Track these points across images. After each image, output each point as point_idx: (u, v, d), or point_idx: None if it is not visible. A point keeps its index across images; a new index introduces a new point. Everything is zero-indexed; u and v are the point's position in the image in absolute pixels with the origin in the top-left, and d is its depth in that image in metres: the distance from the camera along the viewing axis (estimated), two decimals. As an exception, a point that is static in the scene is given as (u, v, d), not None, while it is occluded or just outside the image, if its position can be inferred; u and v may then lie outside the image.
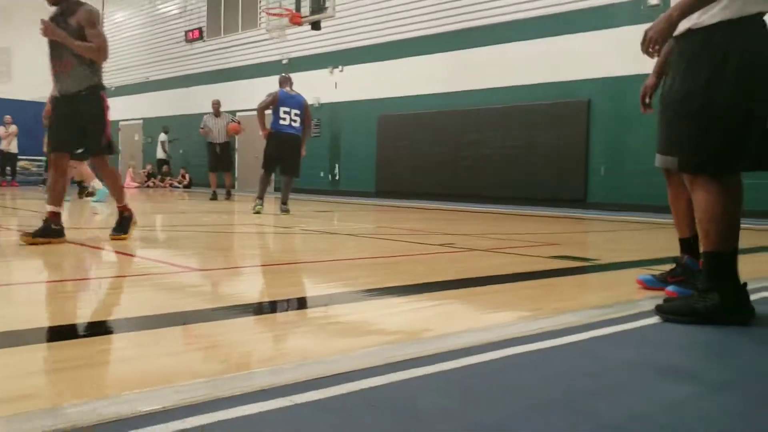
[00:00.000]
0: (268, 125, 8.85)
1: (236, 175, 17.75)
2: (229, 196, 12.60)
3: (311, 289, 3.36)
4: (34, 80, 26.82)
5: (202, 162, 19.52)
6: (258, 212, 8.49)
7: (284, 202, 8.90)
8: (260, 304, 2.86)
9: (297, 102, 8.83)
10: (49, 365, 1.81)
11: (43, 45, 4.98)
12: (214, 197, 12.48)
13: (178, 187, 19.44)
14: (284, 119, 8.67)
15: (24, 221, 6.88)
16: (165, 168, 19.67)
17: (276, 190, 17.06)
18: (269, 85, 17.76)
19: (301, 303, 2.93)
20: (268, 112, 8.80)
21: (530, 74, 12.42)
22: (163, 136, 19.37)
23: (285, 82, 9.06)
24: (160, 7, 22.20)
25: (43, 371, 1.75)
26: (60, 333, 2.23)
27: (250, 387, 1.57)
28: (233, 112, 17.35)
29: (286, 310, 2.75)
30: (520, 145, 12.44)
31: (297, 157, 8.86)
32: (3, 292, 3.04)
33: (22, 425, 1.30)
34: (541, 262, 4.26)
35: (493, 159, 12.86)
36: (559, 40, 12.01)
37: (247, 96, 18.51)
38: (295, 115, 8.73)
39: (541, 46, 12.25)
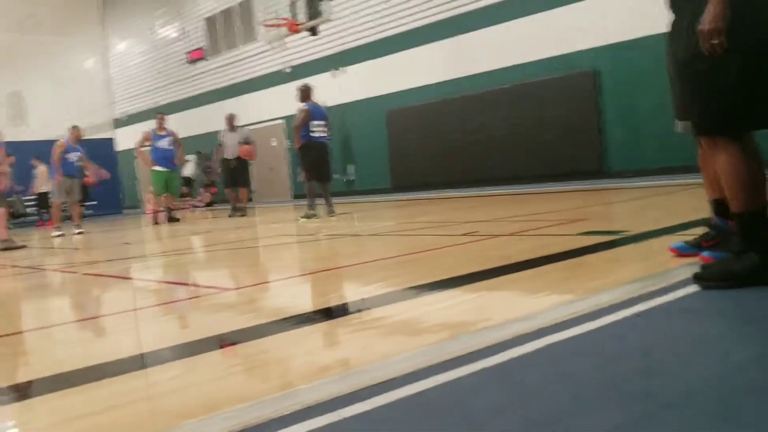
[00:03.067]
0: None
1: (252, 188, 17.81)
2: (240, 212, 12.31)
3: (346, 295, 3.37)
4: (44, 122, 27.25)
5: (221, 178, 19.68)
6: (309, 219, 8.72)
7: (330, 206, 9.26)
8: (297, 316, 2.86)
9: (323, 113, 9.26)
10: (101, 404, 1.83)
11: (53, 87, 5.05)
12: (233, 213, 12.48)
13: (200, 207, 19.57)
14: (315, 132, 9.03)
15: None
16: (185, 189, 19.80)
17: (297, 197, 17.14)
18: (276, 95, 17.89)
19: (338, 311, 2.94)
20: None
21: (532, 50, 12.32)
22: (191, 157, 19.44)
23: (309, 93, 9.23)
24: (159, 32, 22.37)
25: (97, 411, 1.76)
26: (108, 369, 2.26)
27: (297, 405, 1.58)
28: (242, 127, 17.47)
29: (324, 320, 2.76)
30: (530, 123, 12.35)
31: (329, 164, 9.47)
32: (43, 333, 3.09)
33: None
34: (570, 240, 4.23)
35: (505, 140, 12.78)
36: (558, 12, 11.90)
37: (256, 109, 18.61)
38: (324, 125, 9.16)
39: (540, 21, 12.14)
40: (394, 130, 15.20)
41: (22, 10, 25.52)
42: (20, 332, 3.30)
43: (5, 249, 8.34)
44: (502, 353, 1.86)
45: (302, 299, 3.40)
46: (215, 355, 2.36)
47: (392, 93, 15.16)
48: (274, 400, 1.66)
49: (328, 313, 2.88)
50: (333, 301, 3.27)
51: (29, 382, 2.18)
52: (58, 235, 10.59)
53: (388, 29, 15.15)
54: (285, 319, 2.77)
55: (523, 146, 12.48)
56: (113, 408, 1.77)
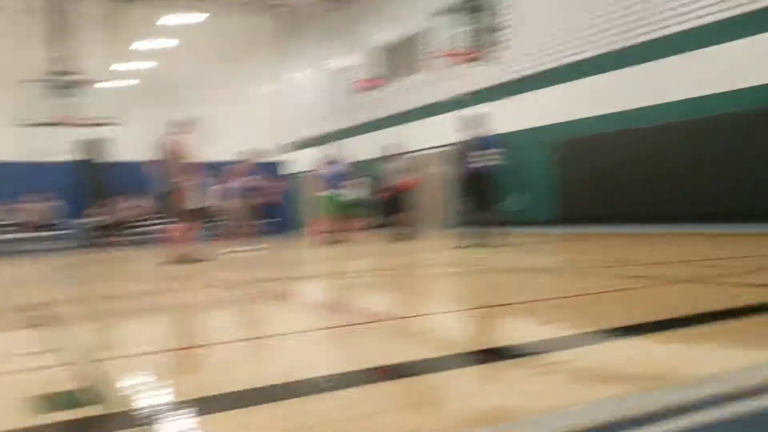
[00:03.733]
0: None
1: (413, 214, 17.97)
2: (406, 236, 12.63)
3: (515, 335, 3.22)
4: (226, 144, 29.39)
5: (381, 204, 20.10)
6: (471, 250, 8.64)
7: (491, 237, 9.12)
8: (466, 354, 2.77)
9: (487, 142, 9.17)
10: (280, 425, 1.85)
11: (239, 112, 5.37)
12: (396, 239, 12.73)
13: (363, 230, 20.09)
14: (476, 161, 8.98)
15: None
16: (350, 213, 20.42)
17: (459, 225, 17.09)
18: (439, 123, 18.05)
19: (509, 351, 2.80)
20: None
21: (724, 80, 11.44)
22: (357, 182, 20.11)
23: (472, 122, 9.23)
24: (332, 61, 23.47)
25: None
26: (271, 393, 2.29)
27: None
28: (405, 154, 17.76)
29: (494, 360, 2.64)
30: (717, 158, 11.44)
31: (491, 193, 9.26)
32: (229, 349, 3.23)
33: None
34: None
35: (689, 174, 11.91)
36: (755, 41, 10.96)
37: (421, 136, 18.88)
38: (486, 154, 9.05)
39: (732, 50, 11.27)
40: (566, 159, 14.75)
41: (219, 43, 27.90)
42: (192, 347, 3.47)
43: (185, 262, 9.01)
44: (692, 416, 1.65)
45: (469, 335, 3.31)
46: (381, 387, 2.33)
47: (564, 122, 14.75)
48: None
49: (498, 353, 2.76)
50: (502, 341, 3.14)
51: (212, 397, 2.26)
52: (233, 252, 11.28)
53: (564, 57, 14.81)
54: (454, 356, 2.69)
55: (707, 182, 11.55)
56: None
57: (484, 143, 9.13)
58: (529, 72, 15.67)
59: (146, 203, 20.17)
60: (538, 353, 2.69)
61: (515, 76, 16.02)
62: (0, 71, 25.04)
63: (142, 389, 2.47)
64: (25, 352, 3.33)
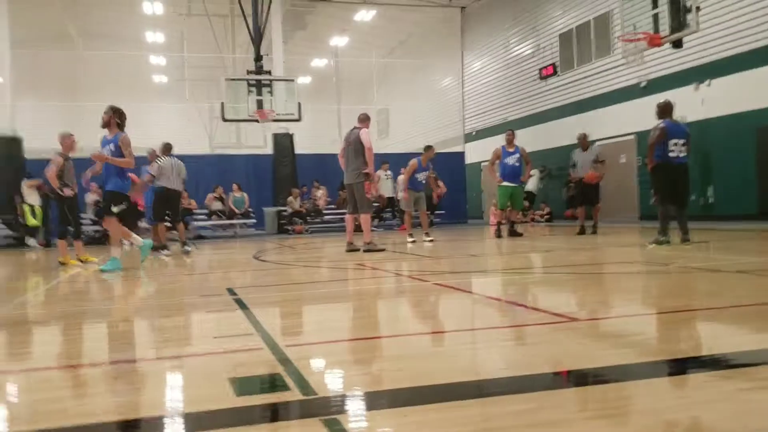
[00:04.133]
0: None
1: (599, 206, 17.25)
2: (595, 230, 12.30)
3: (722, 342, 2.97)
4: (404, 136, 30.06)
5: (561, 195, 19.52)
6: (660, 246, 8.23)
7: (685, 232, 8.57)
8: (661, 363, 2.60)
9: (682, 131, 8.59)
10: (460, 427, 1.86)
11: (413, 105, 5.45)
12: (581, 232, 12.32)
13: (540, 222, 19.67)
14: (672, 151, 8.43)
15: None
16: (526, 204, 20.10)
17: (644, 218, 16.17)
18: (628, 110, 17.14)
19: (711, 361, 2.60)
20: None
21: None
22: (534, 172, 19.85)
23: (668, 110, 8.65)
24: (514, 50, 23.06)
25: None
26: (441, 394, 2.31)
27: None
28: (593, 143, 17.05)
29: (700, 370, 2.46)
30: None
31: (688, 186, 8.74)
32: (412, 342, 3.31)
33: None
34: None
35: None
36: None
37: (605, 124, 18.05)
38: (682, 144, 8.47)
39: None
40: (766, 148, 13.43)
41: (396, 38, 28.53)
42: (376, 338, 3.58)
43: (368, 251, 9.33)
44: None
45: (665, 341, 3.11)
46: (569, 393, 2.26)
47: (764, 108, 13.42)
48: None
49: (697, 363, 2.57)
50: (702, 349, 2.92)
51: (389, 391, 2.32)
52: (411, 242, 11.51)
53: (761, 39, 13.47)
54: (648, 363, 2.55)
55: None
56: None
57: (680, 131, 8.54)
58: (722, 56, 14.42)
59: (326, 193, 21.15)
60: (744, 365, 2.48)
61: (707, 60, 14.81)
62: (202, 72, 27.52)
63: (330, 378, 2.59)
64: (223, 334, 3.64)
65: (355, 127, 9.78)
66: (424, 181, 12.13)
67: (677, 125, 8.63)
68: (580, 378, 2.41)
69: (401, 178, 18.31)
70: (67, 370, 2.96)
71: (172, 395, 2.43)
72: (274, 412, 2.14)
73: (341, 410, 2.08)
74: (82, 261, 9.67)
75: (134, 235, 8.70)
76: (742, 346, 2.81)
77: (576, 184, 12.67)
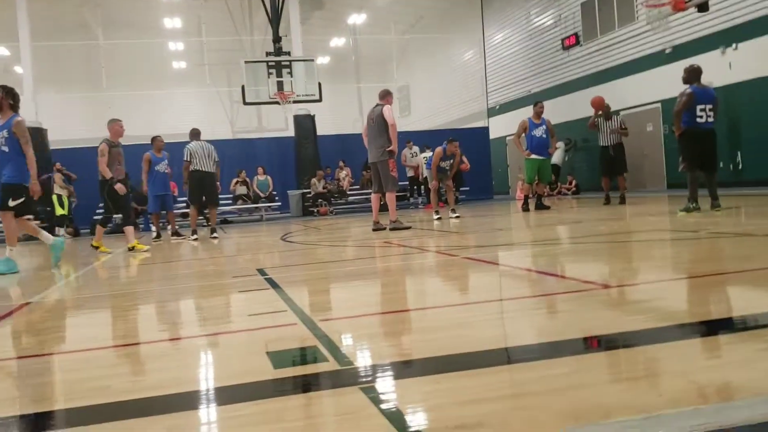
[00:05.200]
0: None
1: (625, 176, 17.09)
2: (623, 200, 12.19)
3: (745, 306, 2.96)
4: (426, 112, 29.92)
5: (591, 167, 19.33)
6: (690, 213, 8.18)
7: (715, 198, 8.48)
8: (689, 325, 2.59)
9: (710, 96, 8.45)
10: (492, 392, 1.87)
11: (435, 81, 5.42)
12: (607, 201, 12.26)
13: (567, 194, 19.53)
14: (701, 116, 8.33)
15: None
16: (552, 178, 19.95)
17: (671, 186, 15.98)
18: (652, 78, 16.87)
19: (737, 323, 2.59)
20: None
21: None
22: (559, 144, 19.69)
23: (696, 74, 8.50)
24: (535, 21, 22.75)
25: (489, 398, 1.80)
26: (472, 361, 2.32)
27: (694, 427, 1.40)
28: (616, 113, 16.86)
29: (727, 332, 2.45)
30: None
31: (716, 152, 8.63)
32: (443, 313, 3.33)
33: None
34: None
35: None
36: None
37: (630, 93, 17.79)
38: (710, 110, 8.36)
39: None
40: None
41: (415, 13, 28.29)
42: (406, 310, 3.60)
43: (394, 229, 9.34)
44: None
45: (692, 305, 3.10)
46: (595, 358, 2.26)
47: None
48: (668, 417, 1.50)
49: (724, 325, 2.55)
50: (729, 312, 2.89)
51: (422, 360, 2.34)
52: (437, 219, 11.50)
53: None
54: (675, 327, 2.54)
55: None
56: (505, 397, 1.79)
57: (707, 96, 8.39)
58: (748, 18, 14.10)
59: (350, 174, 21.16)
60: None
61: (733, 23, 14.49)
62: (221, 56, 27.57)
63: (365, 349, 2.62)
64: (257, 312, 3.68)
65: (377, 104, 9.73)
66: (448, 168, 12.06)
67: (705, 90, 8.49)
68: (610, 342, 2.41)
69: (421, 159, 18.29)
70: (115, 349, 3.03)
71: (214, 370, 2.48)
72: (313, 382, 2.17)
73: (377, 378, 2.10)
74: (130, 249, 9.27)
75: (43, 233, 7.82)
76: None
77: (601, 152, 12.57)
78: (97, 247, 9.67)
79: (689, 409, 1.59)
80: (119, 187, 9.20)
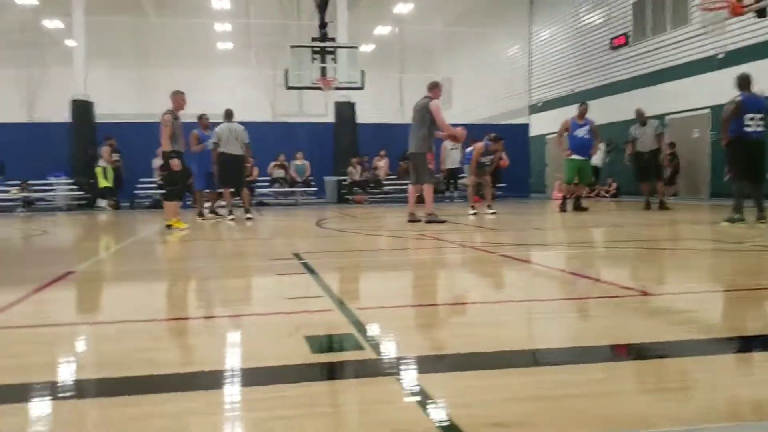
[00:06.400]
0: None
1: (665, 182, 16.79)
2: (662, 206, 12.00)
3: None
4: (468, 106, 29.75)
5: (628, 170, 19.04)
6: (734, 224, 8.00)
7: (761, 210, 8.27)
8: (731, 339, 2.56)
9: (760, 105, 8.26)
10: (530, 392, 1.87)
11: (478, 74, 5.39)
12: (647, 207, 12.08)
13: (606, 197, 19.28)
14: (749, 125, 8.15)
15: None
16: (593, 178, 19.69)
17: (715, 196, 15.66)
18: (702, 83, 16.51)
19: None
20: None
21: None
22: (601, 146, 19.44)
23: (747, 82, 8.32)
24: (584, 19, 22.42)
25: (526, 398, 1.81)
26: (508, 360, 2.33)
27: None
28: (661, 117, 16.53)
29: (765, 350, 2.42)
30: None
31: (763, 162, 8.37)
32: (480, 309, 3.34)
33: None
34: None
35: None
36: None
37: (675, 98, 17.45)
38: (760, 119, 8.17)
39: None
40: None
41: (462, 5, 28.09)
42: (437, 304, 3.61)
43: (429, 222, 9.34)
44: None
45: (728, 319, 3.05)
46: (625, 366, 2.25)
47: None
48: (706, 429, 1.49)
49: (762, 342, 2.52)
50: (764, 328, 2.85)
51: (458, 355, 2.35)
52: (472, 214, 11.45)
53: None
54: (709, 340, 2.51)
55: None
56: (543, 398, 1.79)
57: (757, 105, 8.20)
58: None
59: (387, 164, 21.16)
60: None
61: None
62: (267, 38, 27.73)
63: (401, 340, 2.64)
64: (295, 296, 3.73)
65: (425, 96, 9.66)
66: (488, 164, 11.99)
67: (755, 99, 8.29)
68: (647, 351, 2.39)
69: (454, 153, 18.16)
70: (157, 323, 3.10)
71: (252, 351, 2.52)
72: (350, 370, 2.20)
73: (413, 370, 2.12)
74: (168, 226, 9.09)
75: None
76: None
77: (637, 158, 12.41)
78: (169, 226, 9.10)
79: (723, 425, 1.57)
80: (175, 163, 9.08)
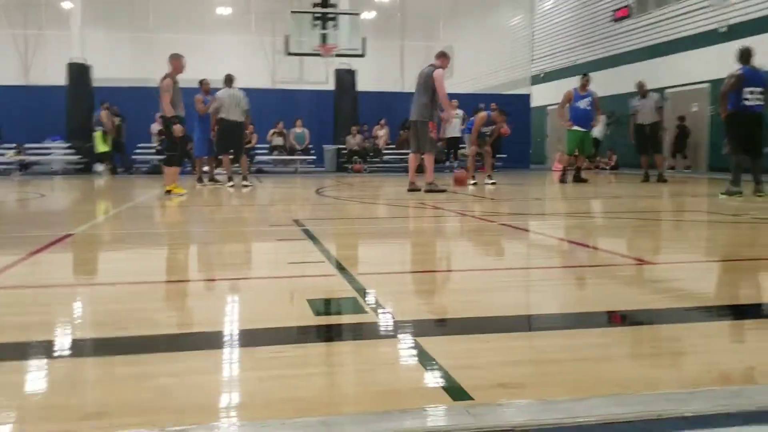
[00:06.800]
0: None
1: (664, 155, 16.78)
2: (661, 179, 12.01)
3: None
4: (469, 75, 29.52)
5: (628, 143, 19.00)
6: (732, 196, 8.00)
7: (758, 183, 8.27)
8: (714, 308, 2.59)
9: (760, 79, 8.21)
10: (531, 355, 1.90)
11: (480, 44, 5.35)
12: (645, 179, 12.10)
13: (606, 169, 19.27)
14: (748, 99, 8.10)
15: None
16: (594, 150, 19.61)
17: (713, 170, 15.68)
18: (703, 57, 16.41)
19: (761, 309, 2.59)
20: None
21: None
22: (602, 118, 19.32)
23: (748, 56, 8.27)
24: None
25: (527, 360, 1.83)
26: (520, 324, 2.36)
27: (703, 408, 1.44)
28: (662, 90, 16.45)
29: (753, 318, 2.45)
30: None
31: (762, 136, 8.38)
32: (481, 276, 3.37)
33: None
34: None
35: None
36: None
37: (676, 72, 17.36)
38: (759, 93, 8.13)
39: None
40: None
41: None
42: (441, 271, 3.64)
43: (429, 191, 9.33)
44: None
45: (719, 288, 3.08)
46: (614, 333, 2.29)
47: None
48: (688, 395, 1.52)
49: (749, 311, 2.55)
50: (755, 297, 2.88)
51: (459, 319, 2.38)
52: (472, 184, 11.45)
53: None
54: (698, 308, 2.54)
55: None
56: (538, 361, 1.82)
57: (757, 79, 8.16)
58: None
59: (387, 133, 21.06)
60: None
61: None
62: (267, 4, 27.41)
63: (402, 304, 2.66)
64: (297, 261, 3.75)
65: (430, 64, 9.59)
66: (488, 134, 11.95)
67: (755, 72, 8.25)
68: (639, 318, 2.43)
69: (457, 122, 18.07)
70: (157, 285, 3.13)
71: (253, 313, 2.55)
72: (353, 331, 2.23)
73: (413, 333, 2.14)
74: (167, 192, 9.07)
75: None
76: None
77: (637, 130, 12.39)
78: (168, 191, 9.07)
79: (708, 389, 1.60)
80: (178, 129, 8.98)
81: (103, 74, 20.90)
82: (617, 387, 1.61)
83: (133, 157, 18.93)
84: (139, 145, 18.76)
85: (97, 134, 17.55)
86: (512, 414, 1.42)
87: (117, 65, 25.52)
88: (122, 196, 9.65)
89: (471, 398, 1.51)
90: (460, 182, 11.21)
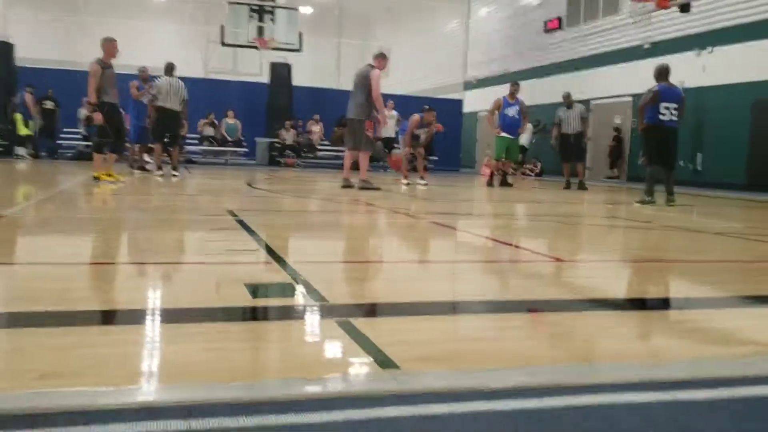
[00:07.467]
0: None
1: (587, 165, 17.52)
2: (582, 187, 12.57)
3: (665, 290, 3.27)
4: (403, 77, 29.83)
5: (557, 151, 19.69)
6: (645, 205, 8.48)
7: (671, 194, 8.74)
8: (605, 300, 2.85)
9: (676, 95, 8.72)
10: (454, 334, 2.09)
11: (416, 47, 5.56)
12: (567, 186, 12.64)
13: (530, 176, 19.91)
14: (664, 114, 8.58)
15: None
16: (520, 156, 20.24)
17: (631, 180, 16.45)
18: (627, 72, 17.21)
19: (652, 303, 2.88)
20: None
21: None
22: (529, 126, 19.93)
23: (665, 73, 8.77)
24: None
25: (451, 339, 2.02)
26: (444, 308, 2.56)
27: (594, 379, 1.66)
28: (587, 102, 17.15)
29: (633, 310, 2.74)
30: None
31: (675, 149, 8.93)
32: (410, 267, 3.56)
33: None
34: None
35: None
36: None
37: (602, 84, 18.13)
38: (674, 109, 8.61)
39: None
40: (761, 121, 13.66)
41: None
42: (367, 262, 3.82)
43: (363, 188, 9.52)
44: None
45: (617, 285, 3.37)
46: (521, 318, 2.52)
47: (763, 81, 13.58)
48: (571, 367, 1.75)
49: (639, 304, 2.84)
50: (649, 293, 3.19)
51: (378, 303, 2.57)
52: (405, 184, 11.71)
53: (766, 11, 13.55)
54: (593, 300, 2.80)
55: None
56: (460, 339, 2.02)
57: (673, 96, 8.70)
58: (727, 24, 14.47)
59: (322, 129, 21.12)
60: (677, 309, 2.79)
61: (712, 26, 14.85)
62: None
63: (336, 289, 2.83)
64: (233, 249, 3.86)
65: (368, 64, 9.78)
66: (422, 137, 12.27)
67: (671, 89, 8.76)
68: (550, 306, 2.66)
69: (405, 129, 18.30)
70: (88, 266, 3.18)
71: (196, 294, 2.64)
72: (291, 312, 2.37)
73: (346, 314, 2.30)
74: (95, 178, 8.86)
75: None
76: (697, 294, 3.08)
77: (562, 140, 12.93)
78: (97, 178, 8.86)
79: (596, 363, 1.83)
80: (97, 117, 8.80)
81: (27, 54, 20.16)
82: (525, 360, 1.82)
83: (58, 141, 18.37)
84: (65, 129, 18.22)
85: (18, 116, 16.94)
86: (432, 380, 1.60)
87: (45, 45, 24.65)
88: (50, 182, 9.43)
89: (398, 368, 1.69)
90: (396, 165, 11.49)
